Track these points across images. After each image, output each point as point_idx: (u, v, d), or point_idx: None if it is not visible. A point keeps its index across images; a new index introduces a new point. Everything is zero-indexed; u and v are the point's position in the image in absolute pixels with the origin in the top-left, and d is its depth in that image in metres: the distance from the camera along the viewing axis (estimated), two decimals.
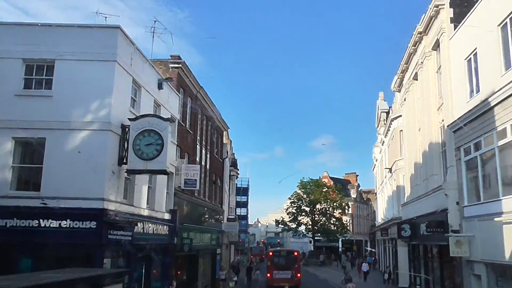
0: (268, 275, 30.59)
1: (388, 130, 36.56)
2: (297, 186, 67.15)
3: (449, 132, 16.74)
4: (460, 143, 15.76)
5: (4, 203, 12.94)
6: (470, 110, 14.61)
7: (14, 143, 13.59)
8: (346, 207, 70.64)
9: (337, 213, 65.36)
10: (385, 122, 40.32)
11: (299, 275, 30.45)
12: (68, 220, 12.84)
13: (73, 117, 13.54)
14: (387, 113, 40.66)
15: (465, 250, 14.81)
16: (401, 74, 25.09)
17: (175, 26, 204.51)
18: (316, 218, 65.06)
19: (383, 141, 40.75)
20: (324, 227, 64.42)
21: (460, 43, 16.37)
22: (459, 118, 15.33)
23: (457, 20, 16.89)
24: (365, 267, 37.25)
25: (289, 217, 66.27)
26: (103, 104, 13.68)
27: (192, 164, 23.14)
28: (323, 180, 72.99)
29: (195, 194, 25.17)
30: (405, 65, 23.79)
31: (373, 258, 53.10)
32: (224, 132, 35.41)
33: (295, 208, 65.90)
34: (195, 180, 22.23)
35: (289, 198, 67.93)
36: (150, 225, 17.21)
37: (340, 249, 73.20)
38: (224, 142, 35.38)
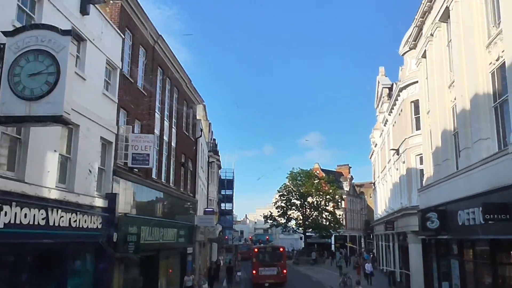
0: (254, 272, 30.39)
1: (394, 105, 30.91)
2: (287, 178, 61.18)
3: None
4: None
5: None
6: None
7: None
8: (339, 200, 64.77)
9: (330, 206, 59.63)
10: (388, 98, 34.84)
11: (285, 271, 30.58)
12: None
13: None
14: (390, 88, 35.43)
15: None
16: (420, 19, 19.30)
17: (163, 24, 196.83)
18: (307, 212, 59.25)
19: (386, 120, 35.10)
20: (316, 222, 58.74)
21: None
22: None
23: None
24: (368, 267, 31.37)
25: (278, 211, 60.32)
26: None
27: (144, 134, 17.14)
28: (314, 172, 67.03)
29: (153, 177, 19.16)
30: (428, 3, 18.01)
31: (371, 255, 47.53)
32: (198, 107, 29.31)
33: (285, 201, 59.95)
34: (147, 155, 16.31)
35: (278, 191, 61.78)
36: (62, 213, 11.23)
37: (333, 246, 67.61)
38: (198, 118, 29.20)
